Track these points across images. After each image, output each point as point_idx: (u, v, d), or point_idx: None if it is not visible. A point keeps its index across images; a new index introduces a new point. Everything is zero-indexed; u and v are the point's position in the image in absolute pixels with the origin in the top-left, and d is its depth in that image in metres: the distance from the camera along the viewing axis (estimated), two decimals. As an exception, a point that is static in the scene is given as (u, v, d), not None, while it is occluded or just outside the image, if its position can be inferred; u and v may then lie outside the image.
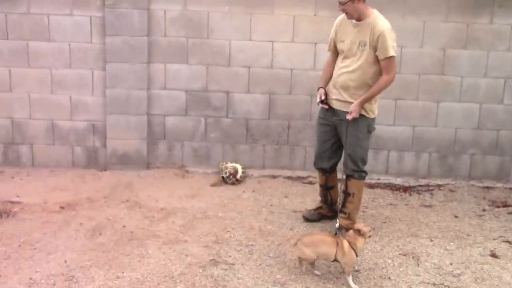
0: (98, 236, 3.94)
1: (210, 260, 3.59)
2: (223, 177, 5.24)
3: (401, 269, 3.58)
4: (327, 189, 4.30)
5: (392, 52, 3.73)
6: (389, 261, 3.69)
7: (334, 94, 3.98)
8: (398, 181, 5.42)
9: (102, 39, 5.32)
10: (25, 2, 5.24)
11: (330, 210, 4.36)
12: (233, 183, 5.22)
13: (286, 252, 3.74)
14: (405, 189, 5.29)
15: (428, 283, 3.41)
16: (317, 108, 5.31)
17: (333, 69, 4.04)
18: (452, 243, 4.03)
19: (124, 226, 4.11)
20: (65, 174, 5.40)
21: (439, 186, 5.35)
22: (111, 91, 5.37)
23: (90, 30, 5.32)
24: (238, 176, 5.24)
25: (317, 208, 4.44)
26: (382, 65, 3.79)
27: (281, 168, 5.55)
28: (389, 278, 3.45)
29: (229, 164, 5.34)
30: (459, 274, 3.53)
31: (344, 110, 3.90)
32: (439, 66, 5.32)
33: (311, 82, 5.35)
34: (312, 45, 5.30)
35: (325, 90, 4.04)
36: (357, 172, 4.02)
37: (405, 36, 5.22)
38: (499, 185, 5.37)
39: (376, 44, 3.73)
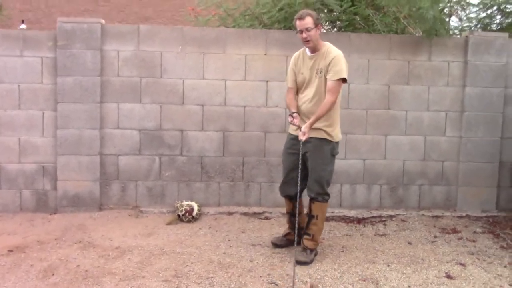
0: (50, 276, 3.77)
1: (170, 293, 3.51)
2: (179, 215, 5.18)
3: (361, 293, 3.61)
4: (294, 215, 4.32)
5: (342, 75, 3.95)
6: (350, 286, 3.71)
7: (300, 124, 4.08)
8: (352, 213, 5.52)
9: (54, 80, 5.28)
10: (-28, 43, 5.18)
11: (298, 235, 4.39)
12: (189, 221, 5.16)
13: (247, 283, 3.71)
14: (359, 220, 5.39)
15: (389, 304, 3.46)
16: (271, 144, 5.49)
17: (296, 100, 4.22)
18: (408, 268, 4.11)
19: (78, 266, 3.96)
20: (12, 219, 5.18)
21: (391, 216, 5.49)
22: (62, 132, 5.28)
23: (41, 70, 5.28)
24: (194, 214, 5.19)
25: (286, 234, 4.51)
26: (329, 86, 3.97)
27: (237, 205, 5.55)
28: (350, 302, 3.48)
29: (185, 202, 5.29)
30: (417, 295, 3.61)
31: (311, 136, 4.02)
32: (385, 101, 5.58)
33: (264, 118, 5.48)
34: (264, 82, 5.46)
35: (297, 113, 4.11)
36: (321, 195, 4.15)
37: (352, 73, 5.45)
38: (447, 213, 5.57)
39: (328, 68, 3.96)
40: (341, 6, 5.70)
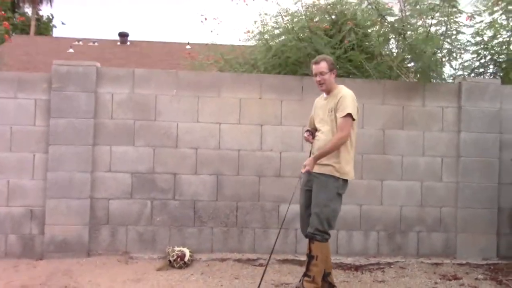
0: (32, 320, 3.57)
1: (158, 337, 3.31)
2: (170, 260, 4.99)
3: (360, 338, 3.42)
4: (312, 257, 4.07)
5: (348, 111, 3.96)
6: (348, 331, 3.53)
7: None
8: (349, 260, 5.34)
9: (46, 122, 5.24)
10: (-34, 84, 5.17)
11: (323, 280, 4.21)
12: (180, 267, 4.97)
13: (240, 327, 3.51)
14: (357, 268, 5.21)
15: None
16: (265, 189, 5.42)
17: None
18: (409, 313, 3.94)
19: (62, 310, 3.77)
20: (-4, 264, 4.99)
21: (389, 264, 5.31)
22: (53, 174, 5.17)
23: (34, 112, 5.25)
24: (186, 259, 5.01)
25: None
26: (338, 123, 3.99)
27: (230, 251, 5.36)
28: None
29: (176, 248, 5.12)
30: None
31: (319, 171, 4.03)
32: (380, 146, 5.55)
33: (258, 162, 5.42)
34: (258, 126, 5.43)
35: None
36: (320, 233, 4.00)
37: (347, 117, 5.47)
38: (447, 261, 5.40)
39: (337, 106, 4.01)
40: (333, 54, 5.78)
